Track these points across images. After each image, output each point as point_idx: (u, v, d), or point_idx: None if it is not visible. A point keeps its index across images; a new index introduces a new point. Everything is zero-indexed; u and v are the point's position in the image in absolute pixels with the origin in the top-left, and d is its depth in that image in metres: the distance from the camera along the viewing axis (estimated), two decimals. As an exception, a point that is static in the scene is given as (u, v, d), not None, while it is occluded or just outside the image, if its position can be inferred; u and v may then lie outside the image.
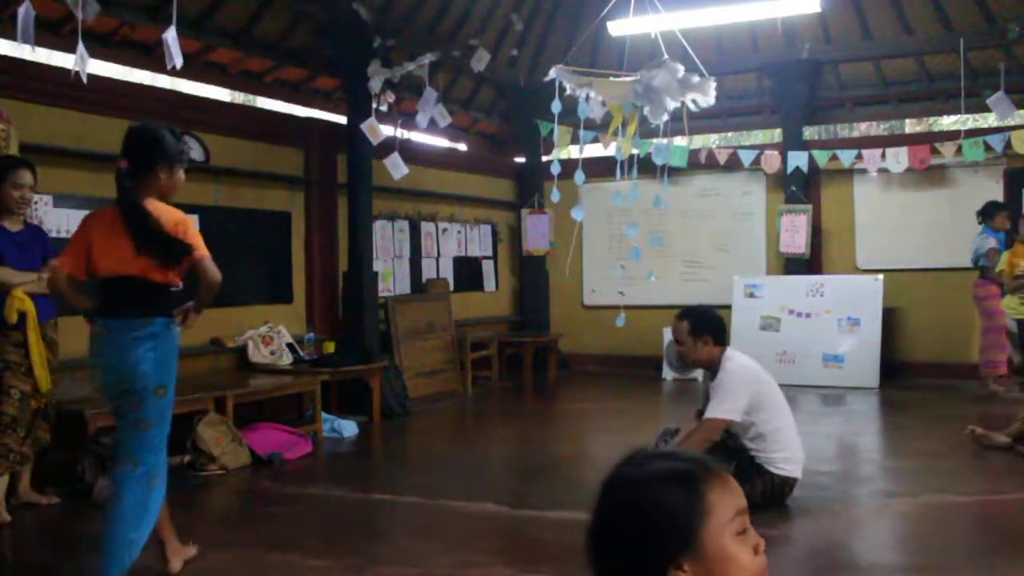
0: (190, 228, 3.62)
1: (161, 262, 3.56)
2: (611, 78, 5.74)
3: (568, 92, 5.82)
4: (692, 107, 5.81)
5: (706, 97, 5.60)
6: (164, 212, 3.58)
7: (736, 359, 4.82)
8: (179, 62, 4.88)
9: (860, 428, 7.54)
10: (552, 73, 5.71)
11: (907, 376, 9.45)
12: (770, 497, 4.72)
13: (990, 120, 10.22)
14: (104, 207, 3.71)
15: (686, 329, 4.83)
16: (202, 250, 3.61)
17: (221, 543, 4.42)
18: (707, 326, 4.83)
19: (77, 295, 3.63)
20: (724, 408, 4.68)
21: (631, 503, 1.38)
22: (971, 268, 8.54)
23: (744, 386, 4.71)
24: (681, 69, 5.51)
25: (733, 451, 4.75)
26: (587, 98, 5.79)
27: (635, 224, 6.60)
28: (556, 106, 5.84)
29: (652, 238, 7.23)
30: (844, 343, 9.28)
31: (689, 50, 5.96)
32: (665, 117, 5.74)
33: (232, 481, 5.71)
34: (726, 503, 1.38)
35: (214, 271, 3.60)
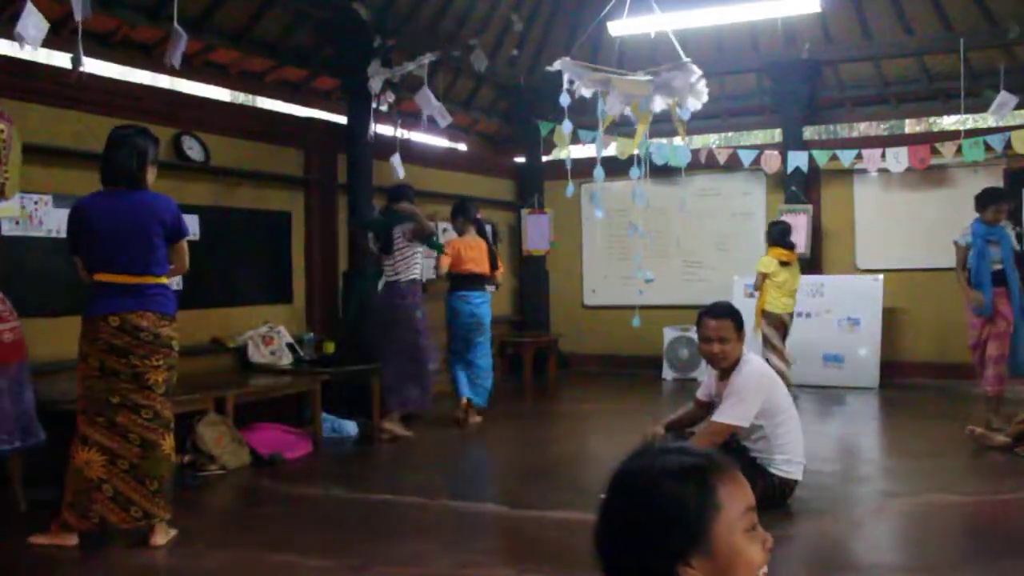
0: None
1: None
2: (628, 75, 5.67)
3: (567, 87, 5.75)
4: (678, 110, 5.78)
5: (698, 100, 5.57)
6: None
7: (753, 362, 4.78)
8: (177, 62, 4.87)
9: (860, 428, 7.55)
10: (557, 65, 5.62)
11: (907, 376, 9.45)
12: (771, 499, 4.69)
13: (990, 120, 10.21)
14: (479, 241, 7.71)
15: (732, 327, 4.71)
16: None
17: (221, 543, 4.43)
18: (743, 323, 4.79)
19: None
20: (736, 413, 4.65)
21: (642, 497, 1.37)
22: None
23: (759, 393, 4.67)
24: (698, 72, 5.49)
25: (734, 451, 4.74)
26: (578, 94, 5.70)
27: (638, 225, 6.53)
28: (564, 99, 5.70)
29: (641, 232, 6.91)
30: (844, 343, 9.28)
31: (680, 52, 5.92)
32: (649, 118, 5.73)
33: (232, 481, 5.71)
34: (737, 499, 1.37)
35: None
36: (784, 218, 9.80)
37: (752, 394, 4.66)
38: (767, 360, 7.28)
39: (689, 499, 1.34)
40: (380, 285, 7.03)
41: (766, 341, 8.03)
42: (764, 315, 8.07)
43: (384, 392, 7.04)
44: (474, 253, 7.61)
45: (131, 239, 4.27)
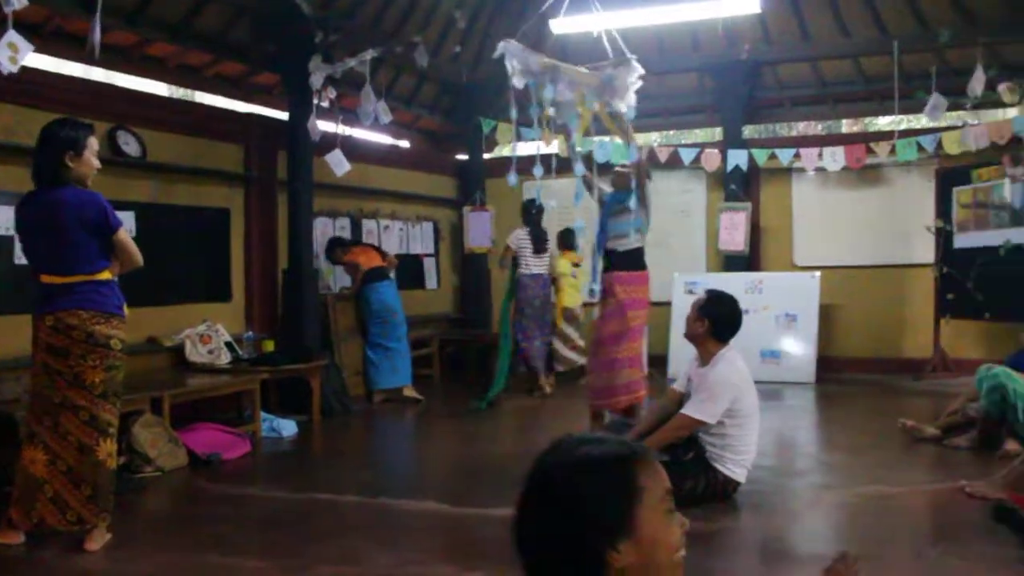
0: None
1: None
2: (580, 68, 5.65)
3: (511, 73, 5.68)
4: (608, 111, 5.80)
5: (627, 103, 5.58)
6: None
7: (730, 359, 4.83)
8: (96, 52, 4.76)
9: (797, 422, 7.66)
10: (501, 48, 5.54)
11: (842, 371, 9.63)
12: (711, 495, 4.75)
13: (923, 121, 10.46)
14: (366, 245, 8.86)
15: (698, 303, 4.96)
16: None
17: (158, 546, 4.36)
18: (711, 312, 4.89)
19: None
20: (705, 409, 4.70)
21: (564, 489, 1.38)
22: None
23: (729, 391, 4.73)
24: (641, 70, 5.50)
25: (690, 441, 4.78)
26: (512, 81, 5.65)
27: (581, 224, 6.52)
28: (519, 81, 5.57)
29: (580, 226, 6.67)
30: (781, 339, 9.42)
31: (624, 49, 5.94)
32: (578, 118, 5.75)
33: (169, 483, 5.61)
34: (656, 483, 1.41)
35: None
36: (724, 215, 9.96)
37: (723, 388, 4.72)
38: (558, 351, 9.25)
39: (612, 488, 1.37)
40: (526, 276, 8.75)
41: (563, 334, 9.29)
42: (564, 311, 9.25)
43: (531, 362, 8.93)
44: (370, 253, 8.65)
45: (52, 238, 4.13)
